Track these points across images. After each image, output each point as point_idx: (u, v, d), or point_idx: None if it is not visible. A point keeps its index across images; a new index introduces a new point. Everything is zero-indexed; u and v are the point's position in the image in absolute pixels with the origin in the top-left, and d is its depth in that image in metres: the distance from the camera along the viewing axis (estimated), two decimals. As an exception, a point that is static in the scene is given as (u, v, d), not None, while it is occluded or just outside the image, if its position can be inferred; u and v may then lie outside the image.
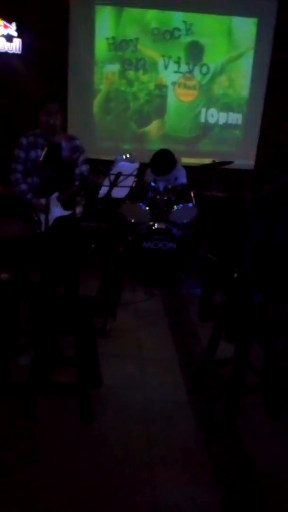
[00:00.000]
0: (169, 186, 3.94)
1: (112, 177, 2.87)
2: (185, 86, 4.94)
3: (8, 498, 1.60)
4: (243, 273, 2.13)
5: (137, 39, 4.76)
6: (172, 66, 4.87)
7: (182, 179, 4.15)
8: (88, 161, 2.99)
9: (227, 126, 5.06)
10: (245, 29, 4.81)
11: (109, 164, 2.93)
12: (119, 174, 2.88)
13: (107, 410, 2.12)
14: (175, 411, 2.15)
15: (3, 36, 4.56)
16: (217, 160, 4.08)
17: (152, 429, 2.01)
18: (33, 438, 1.90)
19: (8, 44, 4.60)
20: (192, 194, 3.99)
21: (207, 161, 4.19)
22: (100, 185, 2.93)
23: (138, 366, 2.55)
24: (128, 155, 2.91)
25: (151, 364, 2.58)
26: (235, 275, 1.99)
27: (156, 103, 4.98)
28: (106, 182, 2.91)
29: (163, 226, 3.85)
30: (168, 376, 2.47)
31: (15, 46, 4.62)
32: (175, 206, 3.92)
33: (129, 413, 2.11)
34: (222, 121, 5.04)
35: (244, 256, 3.64)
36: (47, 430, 1.95)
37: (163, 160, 4.02)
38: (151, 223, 3.88)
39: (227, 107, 5.02)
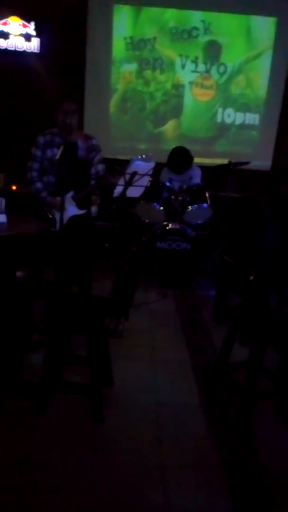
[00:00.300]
0: (184, 186, 3.91)
1: (127, 177, 2.86)
2: (202, 86, 4.90)
3: (14, 496, 1.60)
4: (259, 276, 2.09)
5: (154, 38, 4.75)
6: (190, 66, 4.83)
7: (197, 179, 4.12)
8: (104, 160, 2.99)
9: (244, 126, 5.00)
10: (264, 28, 4.75)
11: (125, 163, 2.92)
12: (134, 173, 2.87)
13: (119, 411, 2.11)
14: (187, 414, 2.13)
15: (21, 35, 4.61)
16: (233, 161, 4.03)
17: (163, 431, 1.99)
18: (43, 437, 1.90)
19: (26, 43, 4.64)
20: (207, 195, 3.95)
21: (223, 161, 4.15)
22: (115, 185, 2.92)
23: (150, 368, 2.53)
24: (144, 156, 2.89)
25: (163, 366, 2.56)
26: (251, 277, 1.95)
27: (173, 103, 4.95)
28: (121, 181, 2.90)
29: (177, 226, 3.82)
30: (180, 378, 2.44)
31: (34, 45, 4.66)
32: (189, 207, 3.88)
33: (140, 415, 2.09)
34: (239, 121, 4.99)
35: (259, 257, 3.58)
36: (58, 429, 1.95)
37: (180, 158, 3.99)
38: (165, 223, 3.86)
39: (244, 107, 4.96)
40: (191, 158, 4.02)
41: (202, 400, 2.25)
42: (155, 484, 1.69)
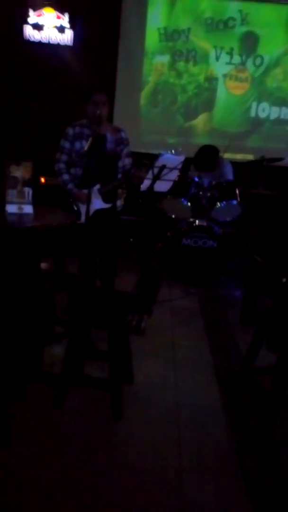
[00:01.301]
0: (214, 182, 3.80)
1: (156, 170, 2.80)
2: (237, 79, 4.74)
3: (28, 491, 1.59)
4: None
5: (189, 29, 4.63)
6: (224, 58, 4.69)
7: (230, 176, 3.99)
8: (132, 154, 2.93)
9: (279, 121, 4.82)
10: (305, 19, 4.54)
11: (154, 157, 2.86)
12: (163, 167, 2.81)
13: (138, 408, 2.08)
14: (208, 417, 2.06)
15: (55, 27, 4.60)
16: (266, 157, 3.88)
17: (183, 433, 1.94)
18: (60, 430, 1.89)
19: (60, 35, 4.62)
20: (237, 191, 3.83)
21: (247, 157, 4.00)
22: (142, 179, 2.87)
23: (171, 367, 2.48)
24: (173, 151, 2.83)
25: (184, 365, 2.50)
26: (284, 280, 1.85)
27: (205, 96, 4.83)
28: (150, 175, 2.85)
29: (204, 223, 3.73)
30: (201, 380, 2.38)
31: (67, 37, 4.63)
32: (218, 203, 3.78)
33: (159, 414, 2.05)
34: (273, 116, 4.81)
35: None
36: (76, 423, 1.94)
37: (207, 157, 3.87)
38: (192, 219, 3.78)
39: (280, 102, 4.77)
40: (216, 159, 3.86)
41: (223, 403, 2.18)
42: (173, 487, 1.64)
